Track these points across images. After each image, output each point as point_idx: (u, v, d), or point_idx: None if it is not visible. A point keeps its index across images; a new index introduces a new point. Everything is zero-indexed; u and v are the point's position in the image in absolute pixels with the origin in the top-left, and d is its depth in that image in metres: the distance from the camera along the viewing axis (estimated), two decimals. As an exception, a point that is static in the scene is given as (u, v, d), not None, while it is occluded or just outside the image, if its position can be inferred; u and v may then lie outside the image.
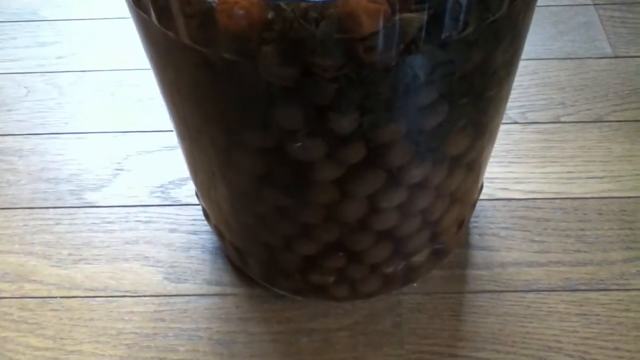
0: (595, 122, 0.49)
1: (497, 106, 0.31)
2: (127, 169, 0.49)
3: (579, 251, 0.42)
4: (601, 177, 0.46)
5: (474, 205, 0.40)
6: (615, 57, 0.54)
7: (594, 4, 0.58)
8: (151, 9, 0.24)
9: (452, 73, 0.25)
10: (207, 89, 0.26)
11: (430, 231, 0.36)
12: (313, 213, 0.31)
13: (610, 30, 0.56)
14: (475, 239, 0.43)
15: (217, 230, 0.41)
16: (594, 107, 0.50)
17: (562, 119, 0.50)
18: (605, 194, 0.45)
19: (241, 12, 0.21)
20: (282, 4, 0.21)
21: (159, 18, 0.24)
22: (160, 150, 0.50)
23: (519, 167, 0.47)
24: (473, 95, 0.27)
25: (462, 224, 0.39)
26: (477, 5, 0.22)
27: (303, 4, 0.21)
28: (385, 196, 0.30)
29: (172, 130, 0.50)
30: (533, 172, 0.47)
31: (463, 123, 0.28)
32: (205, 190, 0.38)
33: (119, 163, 0.50)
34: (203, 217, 0.46)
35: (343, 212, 0.31)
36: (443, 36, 0.22)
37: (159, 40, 0.26)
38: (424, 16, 0.21)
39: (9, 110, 0.54)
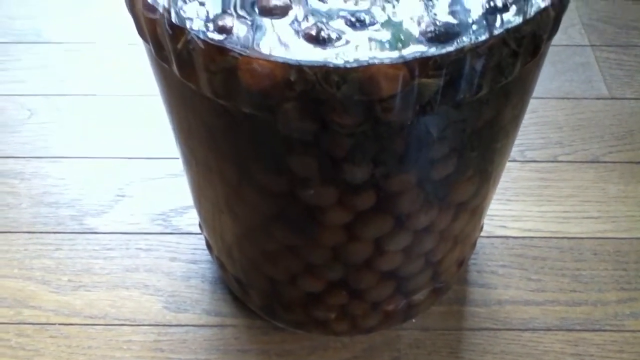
0: (591, 162, 0.51)
1: (503, 155, 0.31)
2: (129, 195, 0.49)
3: (575, 291, 0.43)
4: (596, 218, 0.47)
5: (474, 244, 0.41)
6: (611, 98, 0.55)
7: (591, 45, 0.59)
8: (173, 61, 0.24)
9: (463, 130, 0.26)
10: (223, 135, 0.27)
11: (432, 271, 0.36)
12: (320, 253, 0.32)
13: (607, 72, 0.57)
14: (473, 275, 0.44)
15: (219, 262, 0.42)
16: (590, 148, 0.51)
17: (560, 158, 0.51)
18: (601, 235, 0.46)
19: (265, 72, 0.22)
20: (305, 67, 0.21)
21: (180, 70, 0.24)
22: (162, 177, 0.51)
23: (517, 205, 0.48)
24: (482, 148, 0.28)
25: (463, 263, 0.40)
26: (491, 70, 0.23)
27: (325, 68, 0.21)
28: (391, 240, 0.31)
29: (174, 158, 0.51)
30: (530, 211, 0.48)
31: (471, 172, 0.29)
32: (209, 222, 0.39)
33: (120, 189, 0.50)
34: (203, 247, 0.46)
35: (349, 254, 0.32)
36: (457, 98, 0.23)
37: (177, 87, 0.26)
38: (441, 81, 0.22)
39: (12, 132, 0.54)
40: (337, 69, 0.21)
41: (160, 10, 0.23)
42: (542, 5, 0.23)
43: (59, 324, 0.43)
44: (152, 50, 0.25)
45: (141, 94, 0.56)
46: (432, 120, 0.24)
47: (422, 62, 0.21)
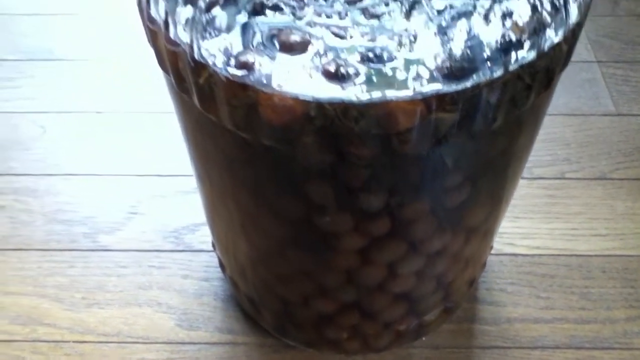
0: (599, 179, 0.51)
1: (515, 179, 0.32)
2: (141, 212, 0.50)
3: (583, 308, 0.44)
4: (604, 235, 0.47)
5: (484, 264, 0.41)
6: (618, 114, 0.56)
7: (598, 61, 0.60)
8: (194, 93, 0.25)
9: (477, 159, 0.26)
10: (242, 164, 0.28)
11: (444, 292, 0.37)
12: (333, 276, 0.32)
13: (613, 88, 0.58)
14: (483, 293, 0.44)
15: (232, 281, 0.42)
16: (597, 164, 0.52)
17: (567, 175, 0.51)
18: (609, 252, 0.46)
19: (285, 107, 0.22)
20: (325, 104, 0.22)
21: (201, 102, 0.25)
22: (174, 194, 0.51)
23: (525, 222, 0.48)
24: (494, 175, 0.29)
25: (473, 282, 0.40)
26: (506, 103, 0.24)
27: (344, 104, 0.22)
28: (404, 264, 0.31)
29: (185, 175, 0.52)
30: (539, 228, 0.48)
31: (483, 198, 0.30)
32: (223, 242, 0.39)
33: (132, 206, 0.50)
34: (215, 264, 0.46)
35: (363, 277, 0.32)
36: (472, 131, 0.24)
37: (197, 117, 0.27)
38: (457, 115, 0.23)
39: (25, 150, 0.54)
40: (355, 105, 0.22)
41: (183, 45, 0.23)
42: (556, 40, 0.24)
43: (73, 342, 0.43)
44: (173, 82, 0.26)
45: (153, 110, 0.56)
46: (447, 151, 0.25)
47: (439, 98, 0.22)
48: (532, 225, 0.48)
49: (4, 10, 0.67)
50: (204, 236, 0.48)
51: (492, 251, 0.46)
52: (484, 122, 0.24)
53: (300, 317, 0.38)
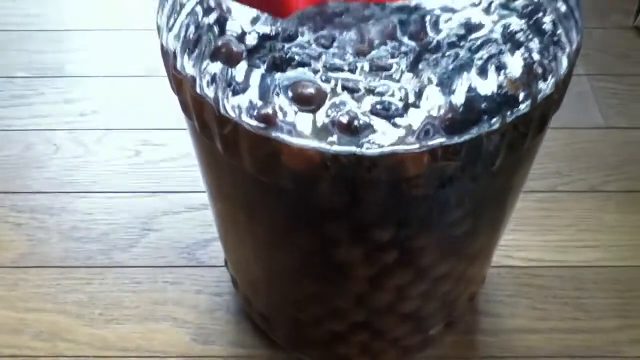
0: (588, 191, 0.54)
1: (513, 205, 0.34)
2: (154, 229, 0.52)
3: (576, 319, 0.46)
4: (594, 247, 0.50)
5: (484, 279, 0.44)
6: (607, 127, 0.58)
7: (587, 74, 0.62)
8: (218, 141, 0.27)
9: (478, 196, 0.29)
10: (259, 202, 0.30)
11: (447, 309, 0.39)
12: (345, 300, 0.35)
13: (602, 101, 0.60)
14: (482, 305, 0.47)
15: (245, 297, 0.44)
16: (587, 177, 0.54)
17: (558, 188, 0.54)
18: (599, 263, 0.49)
19: (304, 156, 0.25)
20: (341, 156, 0.24)
21: (225, 149, 0.27)
22: (185, 211, 0.53)
23: (521, 235, 0.51)
24: (495, 206, 0.31)
25: (474, 297, 0.43)
26: (504, 149, 0.26)
27: (358, 156, 0.24)
28: (411, 287, 0.34)
29: (194, 192, 0.54)
30: (533, 240, 0.51)
31: (484, 227, 0.32)
32: (236, 264, 0.42)
33: (145, 223, 0.53)
34: (226, 279, 0.49)
35: (372, 300, 0.34)
36: (474, 174, 0.26)
37: (217, 159, 0.29)
38: (460, 162, 0.25)
39: (40, 167, 0.56)
40: (369, 157, 0.24)
41: (209, 100, 0.26)
42: (548, 91, 0.26)
43: (94, 357, 0.45)
44: (197, 128, 0.28)
45: (163, 127, 0.58)
46: (451, 191, 0.27)
47: (444, 148, 0.24)
48: (527, 237, 0.51)
49: (16, 27, 0.69)
50: (215, 252, 0.51)
51: (491, 263, 0.49)
52: (484, 166, 0.26)
53: (311, 335, 0.40)
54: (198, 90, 0.26)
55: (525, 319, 0.46)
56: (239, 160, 0.27)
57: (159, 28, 0.28)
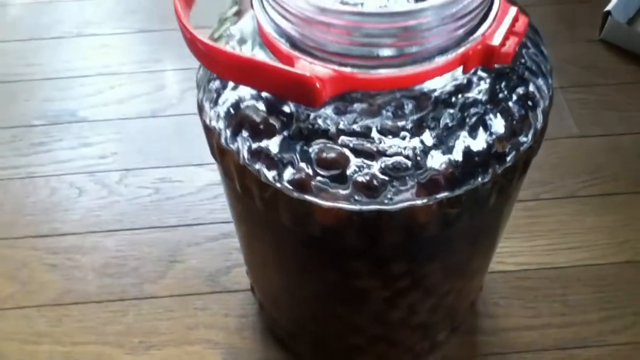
0: (569, 197, 0.60)
1: (504, 227, 0.40)
2: (179, 260, 0.57)
3: (564, 314, 0.52)
4: (577, 248, 0.56)
5: (482, 288, 0.50)
6: (580, 136, 0.64)
7: (560, 87, 0.68)
8: (257, 201, 0.32)
9: (476, 230, 0.34)
10: (289, 245, 0.35)
11: (452, 317, 0.45)
12: (363, 317, 0.40)
13: (575, 112, 0.66)
14: (481, 308, 0.53)
15: (270, 318, 0.50)
16: (566, 184, 0.60)
17: (542, 196, 0.60)
18: (581, 262, 0.55)
19: (333, 213, 0.30)
20: (364, 211, 0.29)
21: (264, 208, 0.32)
22: (205, 242, 0.58)
23: (512, 242, 0.57)
24: (490, 233, 0.37)
25: (474, 303, 0.49)
26: (496, 192, 0.31)
27: (378, 211, 0.29)
28: (421, 304, 0.39)
29: (213, 223, 0.59)
30: (522, 246, 0.56)
31: (482, 250, 0.38)
32: (263, 291, 0.47)
33: (171, 255, 0.58)
34: (250, 302, 0.54)
35: (388, 316, 0.40)
36: (472, 215, 0.32)
37: (254, 214, 0.34)
38: (460, 208, 0.30)
39: (66, 211, 0.61)
40: (387, 212, 0.29)
41: (252, 170, 0.31)
42: (529, 143, 0.31)
43: (139, 381, 0.51)
44: (239, 190, 0.33)
45: (180, 164, 0.63)
46: (453, 230, 0.33)
47: (448, 199, 0.30)
48: (517, 244, 0.57)
49: (20, 77, 0.73)
50: (236, 277, 0.56)
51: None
52: (479, 208, 0.32)
53: (333, 348, 0.46)
54: (241, 162, 0.31)
55: (519, 317, 0.52)
56: (276, 216, 0.32)
57: (200, 108, 0.33)
